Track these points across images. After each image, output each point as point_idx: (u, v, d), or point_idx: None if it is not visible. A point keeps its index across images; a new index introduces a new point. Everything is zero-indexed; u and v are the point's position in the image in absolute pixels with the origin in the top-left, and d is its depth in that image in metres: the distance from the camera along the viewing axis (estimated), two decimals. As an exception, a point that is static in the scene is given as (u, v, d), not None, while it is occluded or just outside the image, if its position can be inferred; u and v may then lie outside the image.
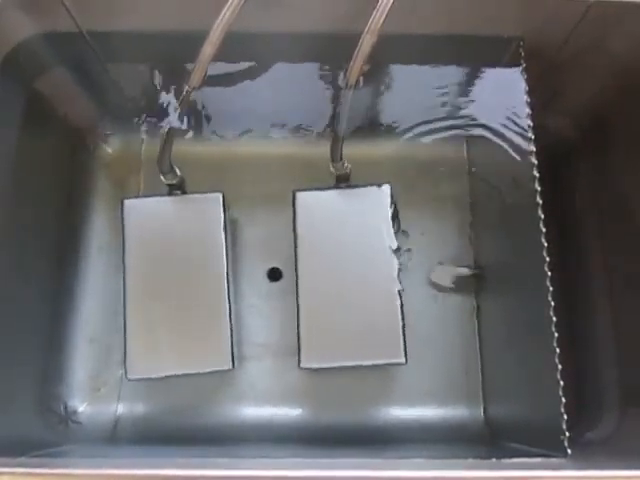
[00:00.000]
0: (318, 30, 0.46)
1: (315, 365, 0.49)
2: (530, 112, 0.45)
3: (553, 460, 0.38)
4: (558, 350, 0.40)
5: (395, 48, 0.46)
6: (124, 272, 0.50)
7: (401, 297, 0.49)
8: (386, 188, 0.51)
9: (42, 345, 0.53)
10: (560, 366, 0.40)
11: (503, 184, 0.51)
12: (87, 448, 0.51)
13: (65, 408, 0.54)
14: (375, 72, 0.51)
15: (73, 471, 0.33)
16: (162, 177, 0.50)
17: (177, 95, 0.45)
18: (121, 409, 0.54)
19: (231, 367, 0.49)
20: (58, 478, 0.33)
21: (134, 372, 0.49)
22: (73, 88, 0.54)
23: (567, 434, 0.39)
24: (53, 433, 0.52)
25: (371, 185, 0.52)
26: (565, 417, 0.39)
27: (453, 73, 0.52)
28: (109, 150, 0.61)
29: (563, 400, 0.39)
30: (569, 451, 0.38)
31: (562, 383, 0.39)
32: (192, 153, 0.59)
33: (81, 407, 0.54)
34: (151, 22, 0.46)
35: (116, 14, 0.45)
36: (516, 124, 0.47)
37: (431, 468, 0.34)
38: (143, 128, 0.59)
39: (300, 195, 0.52)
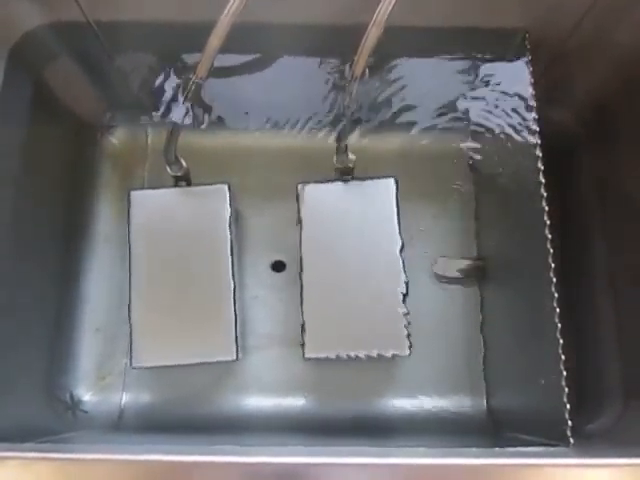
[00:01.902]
0: (324, 22, 0.46)
1: (319, 356, 0.49)
2: (535, 104, 0.45)
3: (555, 449, 0.39)
4: (561, 341, 0.40)
5: (400, 41, 0.46)
6: (130, 263, 0.50)
7: (405, 289, 0.49)
8: (391, 181, 0.52)
9: (48, 335, 0.53)
10: (563, 356, 0.40)
11: (507, 176, 0.51)
12: (92, 436, 0.52)
13: (71, 397, 0.54)
14: (380, 65, 0.51)
15: (79, 456, 0.34)
16: (168, 168, 0.50)
17: (183, 86, 0.45)
18: (126, 398, 0.54)
19: (235, 358, 0.49)
20: (65, 463, 0.34)
21: (139, 361, 0.49)
22: (79, 79, 0.54)
23: (570, 423, 0.39)
24: (59, 422, 0.52)
25: (376, 178, 0.52)
26: (568, 407, 0.39)
27: (458, 65, 0.52)
28: (115, 141, 0.61)
29: (566, 390, 0.39)
30: (571, 440, 0.38)
31: (565, 373, 0.40)
32: (197, 145, 0.59)
33: (87, 396, 0.55)
34: (158, 12, 0.46)
35: (123, 4, 0.45)
36: (520, 116, 0.47)
37: (434, 456, 0.34)
38: (149, 119, 0.60)
39: (305, 187, 0.52)
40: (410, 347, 0.49)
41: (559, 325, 0.41)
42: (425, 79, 0.54)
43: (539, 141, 0.44)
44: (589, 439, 0.46)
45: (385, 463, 0.34)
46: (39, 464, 0.33)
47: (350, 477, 0.34)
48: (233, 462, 0.34)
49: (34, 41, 0.47)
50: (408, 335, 0.49)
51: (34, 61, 0.49)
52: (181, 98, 0.45)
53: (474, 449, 0.37)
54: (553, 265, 0.42)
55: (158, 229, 0.51)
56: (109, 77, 0.54)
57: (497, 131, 0.53)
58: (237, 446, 0.38)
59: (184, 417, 0.54)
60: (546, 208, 0.43)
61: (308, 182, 0.52)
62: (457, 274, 0.57)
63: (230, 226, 0.51)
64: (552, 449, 0.39)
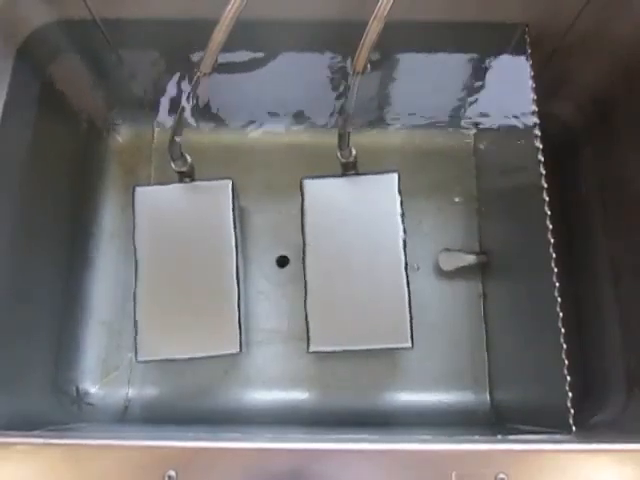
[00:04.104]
0: (326, 17, 0.47)
1: (323, 349, 0.50)
2: (535, 97, 0.45)
3: (558, 436, 0.39)
4: (563, 330, 0.41)
5: (401, 35, 0.47)
6: (135, 258, 0.51)
7: (408, 282, 0.50)
8: (394, 176, 0.52)
9: (55, 329, 0.54)
10: (565, 345, 0.40)
11: (508, 169, 0.52)
12: (98, 427, 0.52)
13: (77, 390, 0.55)
14: (382, 60, 0.52)
15: (86, 442, 0.34)
16: (172, 164, 0.50)
17: (188, 82, 0.46)
18: (131, 392, 0.55)
19: (239, 351, 0.49)
20: (72, 449, 0.34)
21: (144, 354, 0.49)
22: (86, 76, 0.55)
23: (572, 411, 0.39)
24: (66, 414, 0.52)
25: (379, 173, 0.52)
26: (570, 395, 0.39)
27: (459, 60, 0.52)
28: (120, 139, 0.62)
29: (568, 379, 0.40)
30: (574, 428, 0.39)
31: (567, 362, 0.40)
32: (202, 141, 0.60)
33: (93, 390, 0.55)
34: (163, 9, 0.47)
35: (129, 2, 0.46)
36: (521, 110, 0.47)
37: (436, 442, 0.35)
38: (154, 116, 0.60)
39: (308, 183, 0.52)
40: (413, 340, 0.49)
41: (561, 314, 0.41)
42: (426, 74, 0.54)
43: (539, 133, 0.44)
44: (593, 428, 0.46)
45: (388, 449, 0.34)
46: (46, 450, 0.34)
47: (353, 464, 0.34)
48: (238, 448, 0.34)
49: (41, 39, 0.48)
50: (411, 328, 0.49)
51: (41, 59, 0.50)
52: (186, 94, 0.46)
53: (477, 437, 0.37)
54: (554, 255, 0.42)
55: (163, 224, 0.52)
56: (115, 75, 0.55)
57: (498, 124, 0.53)
58: (242, 434, 0.39)
59: (189, 410, 0.54)
60: (547, 199, 0.43)
61: (312, 177, 0.52)
62: (460, 268, 0.57)
63: (234, 221, 0.52)
64: (554, 436, 0.39)
